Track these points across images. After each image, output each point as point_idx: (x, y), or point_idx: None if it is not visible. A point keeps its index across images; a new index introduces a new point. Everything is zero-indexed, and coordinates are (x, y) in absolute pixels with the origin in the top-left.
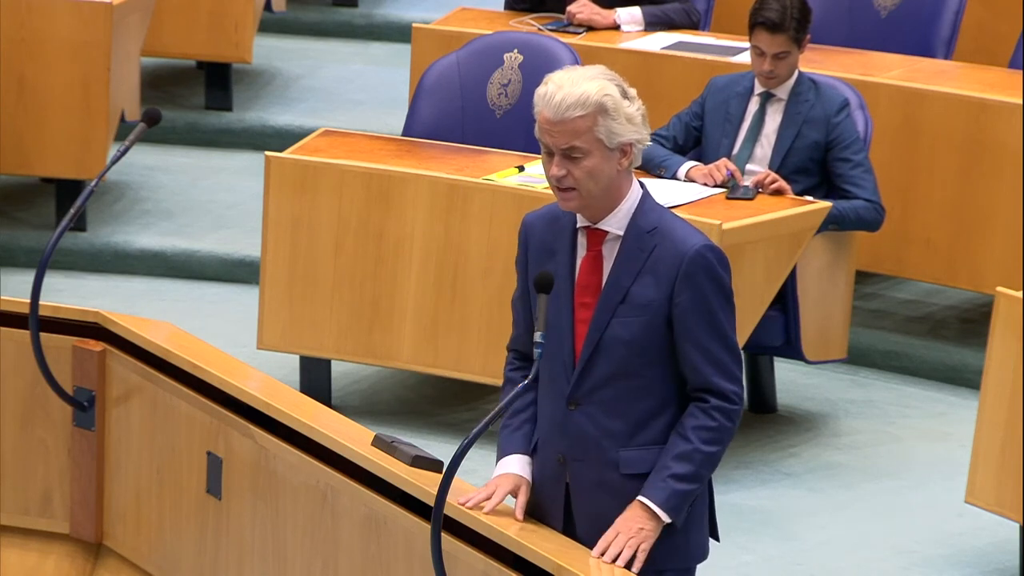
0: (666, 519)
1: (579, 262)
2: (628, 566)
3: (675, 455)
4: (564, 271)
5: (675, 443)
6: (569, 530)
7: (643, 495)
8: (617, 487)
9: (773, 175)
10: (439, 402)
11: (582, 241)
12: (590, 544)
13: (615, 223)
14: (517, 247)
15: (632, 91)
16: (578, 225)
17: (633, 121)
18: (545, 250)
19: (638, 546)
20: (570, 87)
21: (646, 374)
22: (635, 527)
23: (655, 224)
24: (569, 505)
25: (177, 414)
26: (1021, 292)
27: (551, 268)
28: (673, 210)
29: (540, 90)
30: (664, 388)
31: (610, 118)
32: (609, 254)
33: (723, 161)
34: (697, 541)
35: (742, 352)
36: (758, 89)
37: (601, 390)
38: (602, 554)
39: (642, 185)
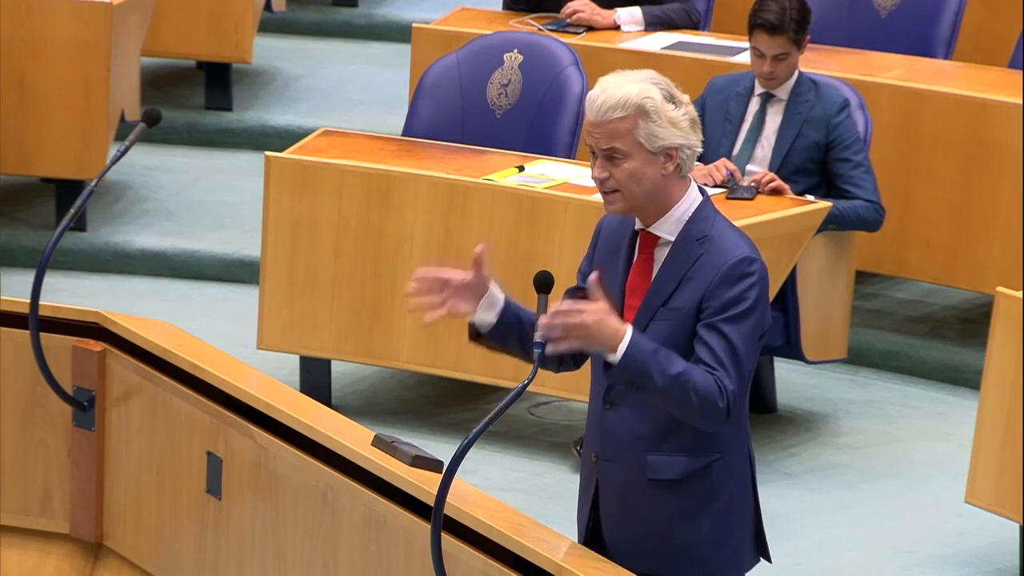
0: (617, 355)
1: (633, 264)
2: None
3: (677, 356)
4: (620, 272)
5: (688, 362)
6: (596, 529)
7: (634, 330)
8: (642, 491)
9: (771, 175)
10: (439, 402)
11: (637, 244)
12: (614, 547)
13: (666, 228)
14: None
15: (683, 96)
16: (635, 228)
17: (677, 125)
18: (611, 250)
19: (581, 336)
20: (613, 89)
21: None
22: (600, 332)
23: (706, 232)
24: (597, 504)
25: (177, 414)
26: (1021, 292)
27: (613, 267)
28: None
29: (589, 93)
30: None
31: (651, 121)
32: (659, 258)
33: (723, 161)
34: (731, 557)
35: (752, 369)
36: (758, 89)
37: (634, 392)
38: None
39: (703, 192)
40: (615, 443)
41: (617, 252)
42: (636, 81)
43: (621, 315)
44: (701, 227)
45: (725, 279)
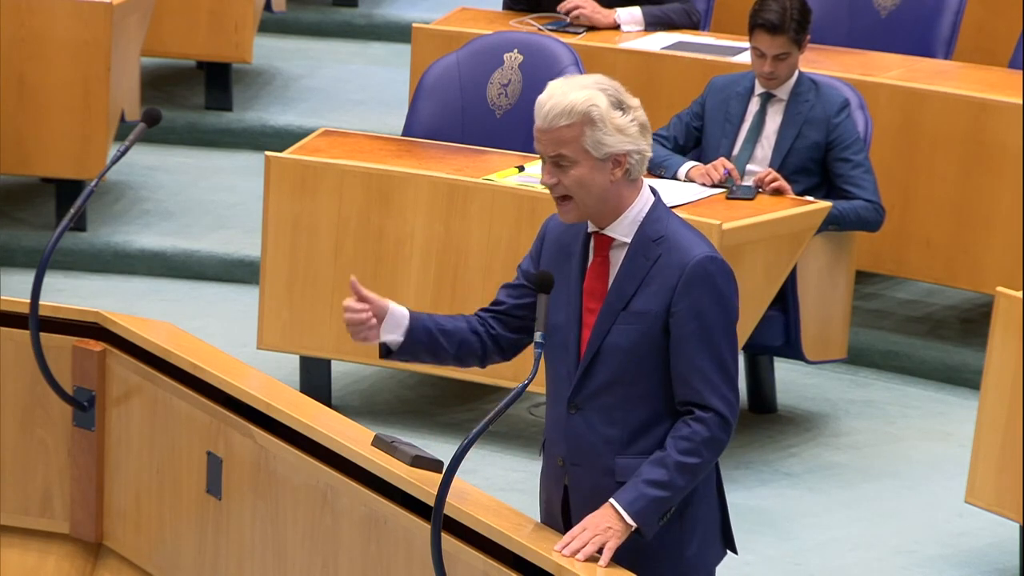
0: (631, 522)
1: (589, 267)
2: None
3: (649, 461)
4: (575, 274)
5: (655, 452)
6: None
7: (613, 496)
8: (611, 494)
9: (774, 173)
10: (439, 402)
11: (592, 246)
12: None
13: (621, 230)
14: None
15: (632, 101)
16: (589, 230)
17: (625, 132)
18: (561, 251)
19: (603, 543)
20: (559, 96)
21: (644, 383)
22: (602, 525)
23: (662, 233)
24: (568, 509)
25: (177, 414)
26: (1021, 292)
27: (565, 269)
28: (673, 210)
29: (538, 98)
30: (662, 397)
31: (596, 128)
32: (616, 261)
33: (720, 160)
34: (698, 555)
35: (738, 367)
36: (758, 89)
37: (600, 396)
38: (565, 548)
39: (655, 193)
40: (582, 447)
41: (568, 254)
42: (583, 87)
43: (579, 318)
44: (656, 228)
45: (691, 282)
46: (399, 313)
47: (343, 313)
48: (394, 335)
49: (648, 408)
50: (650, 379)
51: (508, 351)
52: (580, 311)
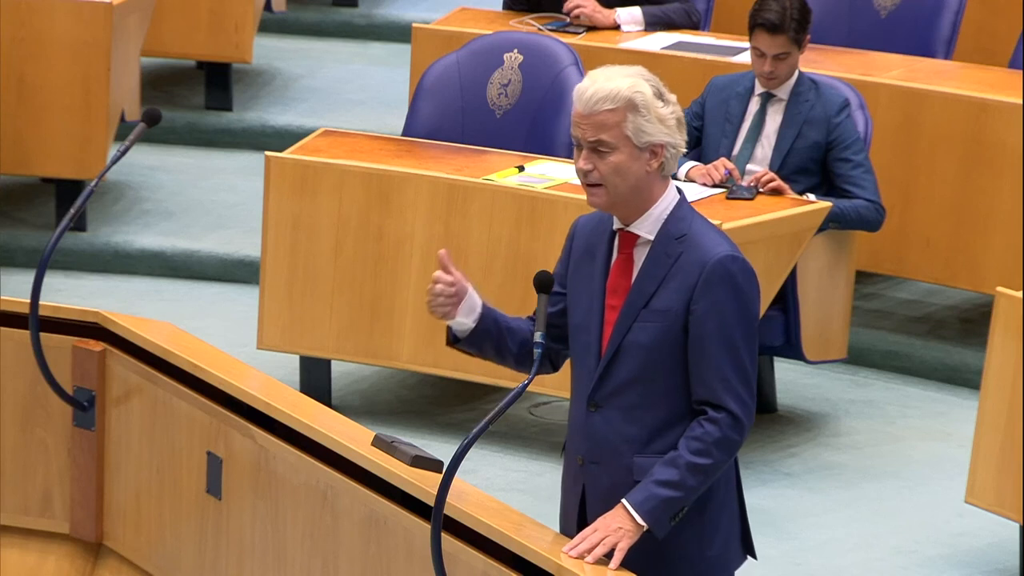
0: (641, 522)
1: (613, 264)
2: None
3: (662, 461)
4: (599, 272)
5: (668, 453)
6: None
7: (625, 497)
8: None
9: (771, 174)
10: (439, 402)
11: (616, 244)
12: None
13: (646, 227)
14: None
15: (671, 95)
16: (614, 227)
17: (665, 123)
18: (587, 251)
19: (614, 544)
20: (603, 82)
21: (665, 381)
22: (613, 525)
23: (685, 231)
24: (584, 507)
25: (177, 414)
26: (1021, 292)
27: (590, 268)
28: None
29: (577, 85)
30: (683, 397)
31: (640, 115)
32: (639, 258)
33: (721, 160)
34: (719, 556)
35: (757, 367)
36: (758, 89)
37: (621, 394)
38: (574, 549)
39: (680, 192)
40: (601, 446)
41: (593, 252)
42: (627, 75)
43: (602, 316)
44: (679, 226)
45: (711, 280)
46: (475, 299)
47: (432, 284)
48: (467, 320)
49: (668, 407)
50: (670, 378)
51: (555, 361)
52: (603, 309)
